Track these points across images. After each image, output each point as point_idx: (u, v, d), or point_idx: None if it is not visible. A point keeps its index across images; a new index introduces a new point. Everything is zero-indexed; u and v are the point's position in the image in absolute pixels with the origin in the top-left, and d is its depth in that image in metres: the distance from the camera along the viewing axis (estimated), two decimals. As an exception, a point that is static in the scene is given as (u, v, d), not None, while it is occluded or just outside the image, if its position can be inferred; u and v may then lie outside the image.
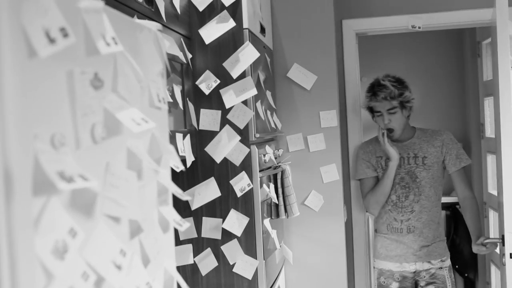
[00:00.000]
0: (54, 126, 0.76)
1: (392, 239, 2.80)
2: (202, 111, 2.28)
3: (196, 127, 2.28)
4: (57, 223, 0.74)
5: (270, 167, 2.57)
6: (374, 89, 2.69)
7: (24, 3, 0.69)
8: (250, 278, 2.29)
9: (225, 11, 2.25)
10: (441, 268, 2.79)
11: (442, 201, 2.94)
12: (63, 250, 0.74)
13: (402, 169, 2.74)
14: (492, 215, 3.52)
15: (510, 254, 2.38)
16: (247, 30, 2.28)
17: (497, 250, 2.81)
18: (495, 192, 3.22)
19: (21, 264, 0.66)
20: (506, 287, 2.42)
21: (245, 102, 2.27)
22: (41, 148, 0.72)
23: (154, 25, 1.16)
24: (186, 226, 1.16)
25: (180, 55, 2.03)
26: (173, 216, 1.17)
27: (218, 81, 2.26)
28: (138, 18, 1.65)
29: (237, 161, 2.28)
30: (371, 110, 2.75)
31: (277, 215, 2.59)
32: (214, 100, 2.29)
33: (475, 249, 2.66)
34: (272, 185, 2.55)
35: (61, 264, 0.74)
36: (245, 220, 2.29)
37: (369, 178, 2.86)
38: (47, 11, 0.73)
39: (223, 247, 2.31)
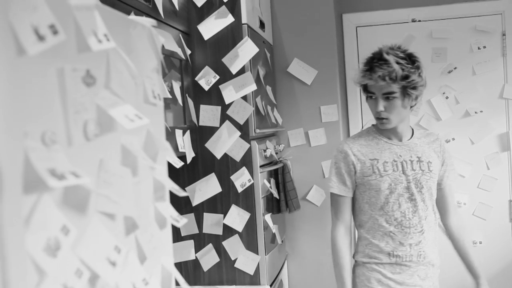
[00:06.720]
0: (45, 123, 0.76)
1: (393, 276, 2.03)
2: (202, 107, 2.28)
3: (196, 123, 2.28)
4: (49, 220, 0.74)
5: (271, 163, 2.57)
6: (373, 63, 1.96)
7: (12, 0, 0.68)
8: (252, 273, 2.30)
9: (223, 7, 2.24)
10: None
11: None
12: (55, 247, 0.74)
13: (405, 176, 2.01)
14: None
15: None
16: (246, 25, 2.28)
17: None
18: None
19: (11, 261, 0.66)
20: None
21: (245, 98, 2.26)
22: (32, 145, 0.71)
23: (148, 21, 1.16)
24: (183, 222, 1.15)
25: (179, 51, 2.02)
26: (170, 212, 1.17)
27: (218, 77, 2.26)
28: (136, 14, 1.65)
29: (237, 156, 2.28)
30: (365, 88, 2.03)
31: (278, 210, 2.59)
32: (213, 96, 2.28)
33: None
34: (273, 180, 2.55)
35: (53, 262, 0.74)
36: (246, 215, 2.29)
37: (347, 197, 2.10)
38: (36, 8, 0.72)
39: (224, 243, 2.31)
